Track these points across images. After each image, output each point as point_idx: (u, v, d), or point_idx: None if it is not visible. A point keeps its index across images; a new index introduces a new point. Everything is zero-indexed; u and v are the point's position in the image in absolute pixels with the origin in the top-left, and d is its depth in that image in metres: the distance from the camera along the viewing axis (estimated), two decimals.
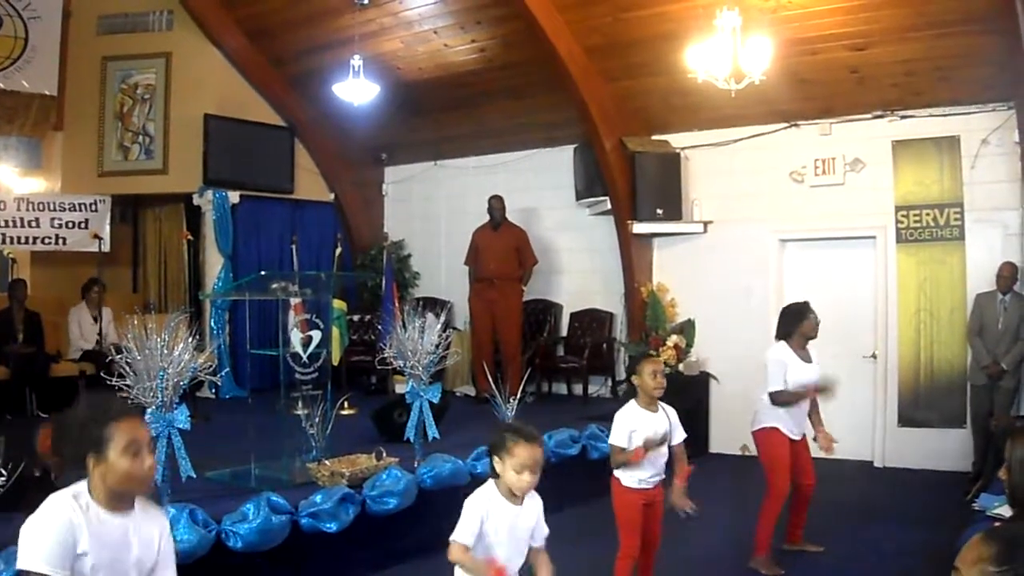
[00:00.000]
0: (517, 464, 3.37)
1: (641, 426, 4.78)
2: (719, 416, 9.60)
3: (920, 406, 8.75)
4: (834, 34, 8.04)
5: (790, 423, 5.91)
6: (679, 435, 4.95)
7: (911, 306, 8.81)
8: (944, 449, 8.46)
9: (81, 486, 2.66)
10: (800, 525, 6.21)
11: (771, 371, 5.90)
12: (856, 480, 8.32)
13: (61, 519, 2.57)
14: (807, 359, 6.01)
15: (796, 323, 6.00)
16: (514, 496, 3.44)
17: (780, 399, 5.84)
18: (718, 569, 5.96)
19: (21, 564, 2.53)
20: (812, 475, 6.12)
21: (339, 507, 5.49)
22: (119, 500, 2.68)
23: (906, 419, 8.80)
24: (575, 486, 6.83)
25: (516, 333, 10.00)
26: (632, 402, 4.92)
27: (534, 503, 3.54)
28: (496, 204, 10.07)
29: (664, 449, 4.83)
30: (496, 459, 3.43)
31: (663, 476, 4.89)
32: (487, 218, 10.12)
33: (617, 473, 4.84)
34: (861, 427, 8.85)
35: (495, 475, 3.48)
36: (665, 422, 4.86)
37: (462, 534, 3.37)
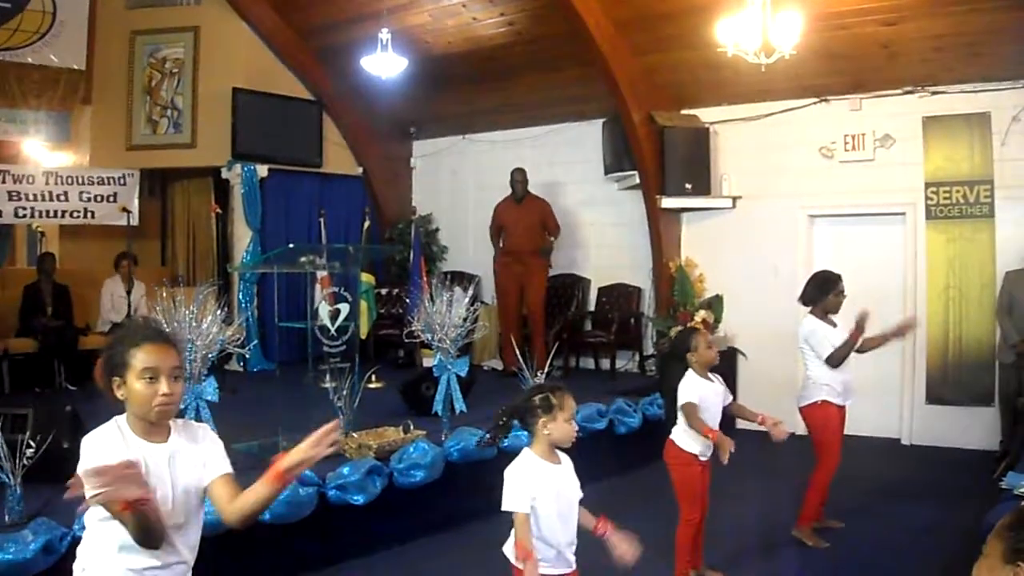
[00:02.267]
0: (569, 415, 3.40)
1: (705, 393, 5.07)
2: (747, 391, 9.53)
3: (948, 384, 8.67)
4: (864, 8, 7.92)
5: (839, 387, 5.88)
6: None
7: (940, 283, 8.73)
8: (972, 427, 8.41)
9: (122, 416, 2.61)
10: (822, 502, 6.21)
11: (815, 343, 5.90)
12: (883, 457, 8.28)
13: (107, 445, 2.50)
14: (832, 324, 6.00)
15: (822, 294, 5.99)
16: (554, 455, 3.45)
17: (838, 357, 5.81)
18: (759, 539, 5.97)
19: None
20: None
21: (367, 479, 5.54)
22: (149, 428, 2.61)
23: (934, 397, 8.73)
24: (601, 460, 6.84)
25: (542, 307, 10.02)
26: (690, 372, 5.16)
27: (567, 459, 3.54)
28: (519, 177, 10.04)
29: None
30: (543, 421, 3.38)
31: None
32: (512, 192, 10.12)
33: (681, 444, 5.00)
34: (889, 404, 8.81)
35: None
36: (721, 388, 5.21)
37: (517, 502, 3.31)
